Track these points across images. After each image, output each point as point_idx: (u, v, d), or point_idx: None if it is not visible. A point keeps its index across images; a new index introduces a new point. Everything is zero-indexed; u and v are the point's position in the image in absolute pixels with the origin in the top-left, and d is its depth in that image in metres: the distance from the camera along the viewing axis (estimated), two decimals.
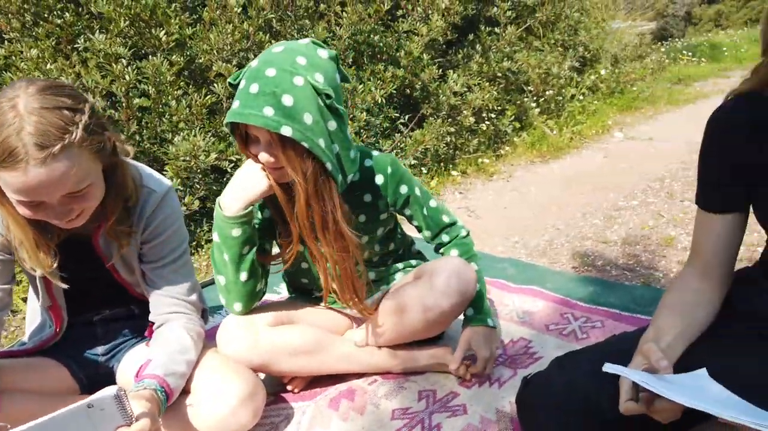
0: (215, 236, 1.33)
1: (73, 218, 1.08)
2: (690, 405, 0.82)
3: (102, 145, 1.07)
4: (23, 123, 0.96)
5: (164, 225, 1.27)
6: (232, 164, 2.66)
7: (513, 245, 2.56)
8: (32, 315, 1.38)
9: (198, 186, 2.56)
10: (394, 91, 3.27)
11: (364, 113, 3.01)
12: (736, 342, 1.04)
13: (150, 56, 2.55)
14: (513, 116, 4.07)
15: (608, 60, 5.42)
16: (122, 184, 1.18)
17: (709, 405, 0.81)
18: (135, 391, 1.06)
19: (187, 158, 2.42)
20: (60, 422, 0.89)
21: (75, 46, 2.53)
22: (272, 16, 2.87)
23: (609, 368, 0.92)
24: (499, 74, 3.80)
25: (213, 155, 2.51)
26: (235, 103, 1.17)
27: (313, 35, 3.06)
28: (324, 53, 1.21)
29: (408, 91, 3.49)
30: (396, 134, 3.35)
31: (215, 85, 2.68)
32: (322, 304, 1.60)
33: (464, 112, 3.50)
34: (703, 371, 0.99)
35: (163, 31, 2.57)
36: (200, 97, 2.62)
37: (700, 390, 0.93)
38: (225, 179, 2.70)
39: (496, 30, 3.87)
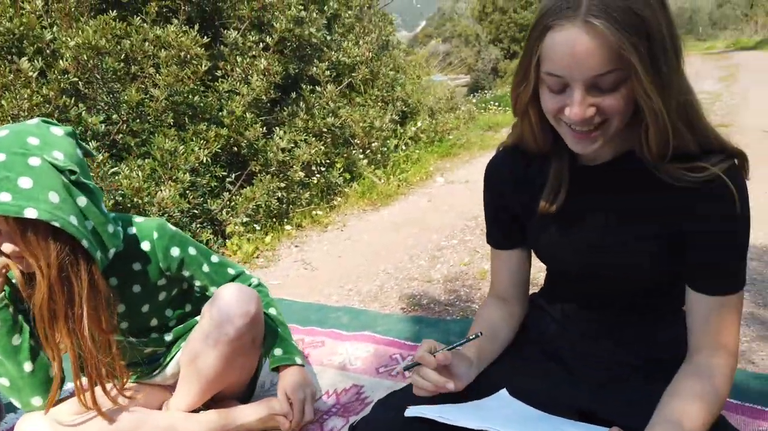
0: None
1: None
2: (481, 427, 0.90)
3: None
4: None
5: None
6: None
7: (347, 293, 2.62)
8: None
9: None
10: (220, 150, 3.25)
11: (188, 174, 2.94)
12: (526, 363, 1.16)
13: None
14: (342, 168, 4.23)
15: (426, 112, 5.90)
16: None
17: (499, 427, 0.90)
18: None
19: None
20: None
21: None
22: (76, 79, 2.72)
23: (410, 412, 0.99)
24: (325, 130, 3.95)
25: None
26: None
27: (126, 97, 2.95)
28: (59, 131, 1.18)
29: (235, 149, 3.48)
30: (225, 193, 3.30)
31: None
32: (130, 382, 1.50)
33: (294, 167, 3.57)
34: (504, 392, 1.10)
35: None
36: None
37: (499, 412, 1.03)
38: None
39: (318, 88, 4.05)
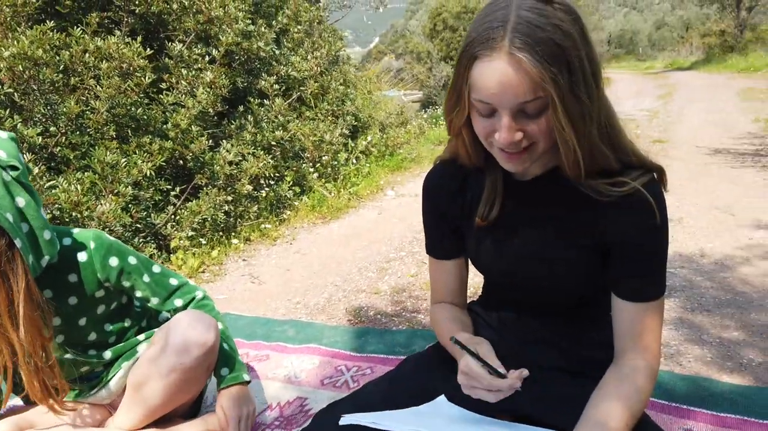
0: None
1: None
2: None
3: None
4: None
5: None
6: None
7: (295, 306, 2.61)
8: None
9: None
10: (164, 163, 3.19)
11: (130, 188, 2.87)
12: None
13: None
14: (292, 182, 4.21)
15: (377, 127, 5.96)
16: None
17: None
18: None
19: None
20: None
21: None
22: (11, 90, 2.63)
23: (345, 420, 0.99)
24: (274, 143, 3.93)
25: None
26: None
27: (64, 109, 2.87)
28: (2, 134, 1.17)
29: (180, 162, 3.42)
30: (169, 207, 3.24)
31: None
32: (70, 402, 1.45)
33: (241, 180, 3.54)
34: (442, 397, 1.12)
35: None
36: None
37: (434, 417, 1.05)
38: None
39: (266, 102, 4.04)
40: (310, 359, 2.02)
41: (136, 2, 3.38)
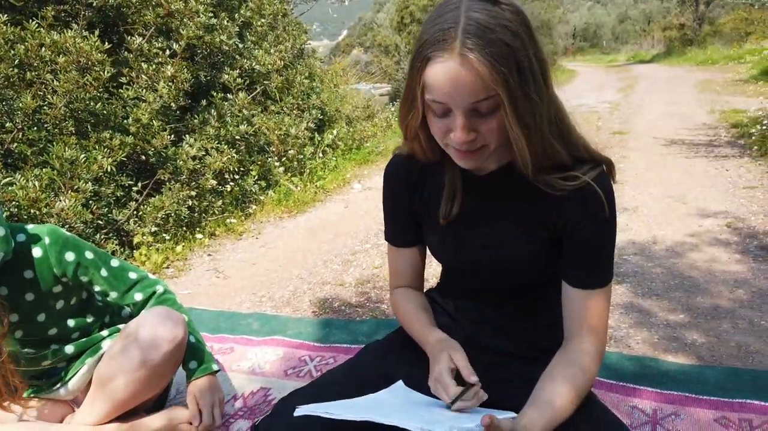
0: None
1: None
2: (367, 418, 0.95)
3: None
4: None
5: None
6: None
7: (260, 299, 2.62)
8: None
9: None
10: (125, 159, 3.15)
11: (90, 184, 2.84)
12: (422, 354, 1.23)
13: None
14: (258, 176, 4.21)
15: (343, 120, 5.98)
16: None
17: (380, 416, 0.95)
18: None
19: None
20: None
21: None
22: None
23: (300, 411, 1.03)
24: (238, 137, 3.92)
25: None
26: None
27: (20, 104, 2.81)
28: None
29: (143, 157, 3.39)
30: (131, 202, 3.21)
31: None
32: (29, 399, 1.45)
33: (205, 175, 3.52)
34: (400, 383, 1.16)
35: None
36: None
37: (390, 403, 1.08)
38: None
39: (230, 96, 4.01)
40: (274, 350, 2.05)
41: None
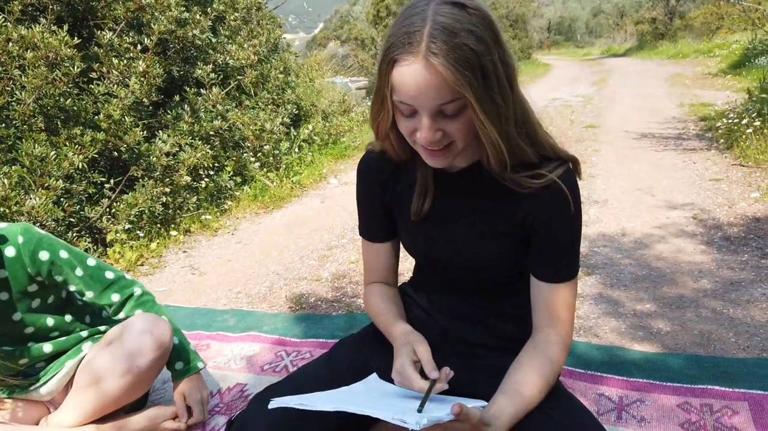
0: None
1: None
2: (340, 409, 0.97)
3: None
4: None
5: None
6: None
7: (236, 295, 2.63)
8: None
9: None
10: (97, 155, 3.11)
11: (61, 181, 2.80)
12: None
13: None
14: (233, 172, 4.18)
15: (319, 115, 5.96)
16: None
17: (352, 406, 0.98)
18: None
19: None
20: None
21: None
22: None
23: (274, 403, 1.04)
24: (212, 133, 3.89)
25: None
26: None
27: None
28: None
29: (115, 154, 3.35)
30: (104, 200, 3.17)
31: None
32: (2, 396, 1.45)
33: (179, 171, 3.49)
34: (374, 375, 1.18)
35: None
36: None
37: (363, 394, 1.11)
38: None
39: (203, 91, 3.98)
40: (251, 346, 2.06)
41: None
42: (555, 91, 10.10)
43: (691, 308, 2.10)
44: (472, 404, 1.00)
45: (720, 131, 4.96)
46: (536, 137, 1.05)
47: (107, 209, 3.14)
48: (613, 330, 1.99)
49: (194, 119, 3.77)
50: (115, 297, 1.48)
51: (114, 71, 3.30)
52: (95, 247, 3.04)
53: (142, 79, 3.31)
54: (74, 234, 2.94)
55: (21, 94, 2.88)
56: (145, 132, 3.32)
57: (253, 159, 4.48)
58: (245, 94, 4.84)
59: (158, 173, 3.37)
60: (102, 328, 1.55)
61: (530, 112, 1.05)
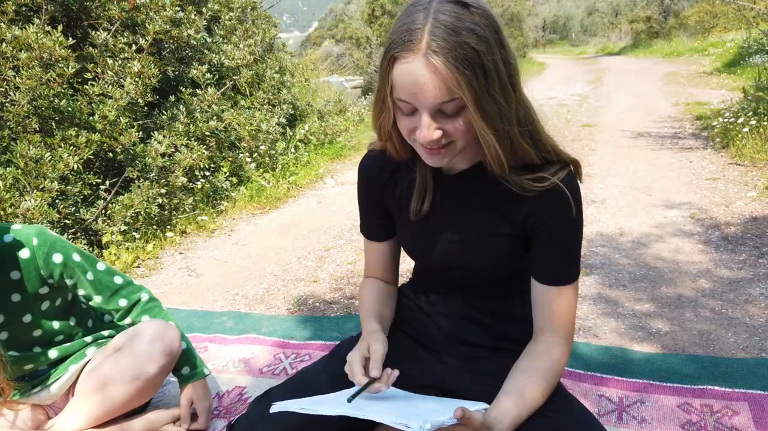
0: None
1: None
2: (343, 413, 0.97)
3: None
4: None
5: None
6: None
7: (233, 297, 2.61)
8: None
9: None
10: (92, 157, 3.09)
11: (56, 182, 2.78)
12: (397, 348, 1.25)
13: None
14: (229, 172, 4.17)
15: (315, 114, 5.95)
16: None
17: (354, 410, 0.97)
18: None
19: None
20: None
21: None
22: None
23: (276, 407, 1.04)
24: (208, 133, 3.87)
25: None
26: None
27: None
28: None
29: (110, 155, 3.33)
30: (99, 201, 3.15)
31: None
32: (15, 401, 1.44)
33: (175, 172, 3.48)
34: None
35: None
36: None
37: (362, 397, 1.10)
38: None
39: (199, 91, 3.96)
40: (249, 349, 2.05)
41: None
42: (551, 90, 10.10)
43: (689, 308, 2.10)
44: (474, 406, 1.00)
45: (716, 130, 4.97)
46: (539, 137, 1.04)
47: (103, 211, 3.12)
48: (612, 330, 1.99)
49: (190, 120, 3.75)
50: (123, 302, 1.48)
51: (109, 72, 3.28)
52: (91, 249, 3.02)
53: (137, 79, 3.29)
54: (70, 236, 2.92)
55: (15, 95, 2.85)
56: (140, 133, 3.30)
57: (249, 160, 4.46)
58: (241, 94, 4.82)
59: (154, 174, 3.35)
60: (105, 333, 1.55)
61: (533, 112, 1.04)
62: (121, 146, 3.19)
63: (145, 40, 3.42)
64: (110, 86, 3.23)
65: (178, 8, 3.73)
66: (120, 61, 3.35)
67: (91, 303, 1.46)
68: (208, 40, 4.26)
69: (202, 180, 3.91)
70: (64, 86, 3.04)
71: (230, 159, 4.20)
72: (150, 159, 3.32)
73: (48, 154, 2.78)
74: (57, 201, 2.89)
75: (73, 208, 3.00)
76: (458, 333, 1.23)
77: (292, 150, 5.13)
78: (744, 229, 2.82)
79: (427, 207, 1.13)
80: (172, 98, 3.88)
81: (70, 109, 3.04)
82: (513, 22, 22.12)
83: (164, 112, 3.79)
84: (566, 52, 28.95)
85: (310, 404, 1.02)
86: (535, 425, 0.99)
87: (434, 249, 1.17)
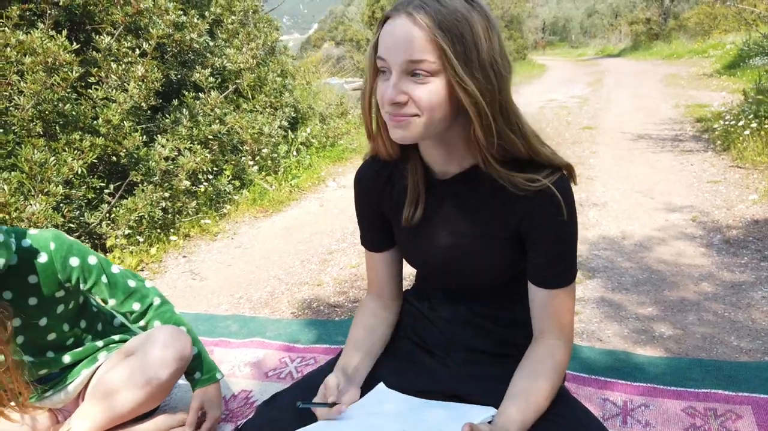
0: None
1: None
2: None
3: None
4: None
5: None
6: None
7: (237, 301, 2.62)
8: None
9: None
10: (96, 161, 3.11)
11: (61, 186, 2.79)
12: (402, 356, 1.26)
13: None
14: (231, 176, 4.18)
15: (317, 117, 5.96)
16: None
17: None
18: None
19: None
20: None
21: None
22: None
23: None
24: (211, 137, 3.88)
25: None
26: None
27: None
28: None
29: (114, 158, 3.34)
30: (103, 205, 3.17)
31: None
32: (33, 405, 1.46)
33: (178, 176, 3.49)
34: (381, 385, 1.19)
35: None
36: None
37: (375, 408, 1.11)
38: None
39: (201, 95, 3.97)
40: (254, 352, 2.06)
41: None
42: (551, 92, 10.13)
43: (692, 311, 2.11)
44: (481, 411, 1.01)
45: (717, 133, 4.99)
46: (531, 142, 1.03)
47: (107, 215, 3.14)
48: (615, 334, 2.00)
49: (193, 123, 3.76)
50: (136, 306, 1.49)
51: (112, 76, 3.29)
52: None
53: (140, 83, 3.30)
54: None
55: (20, 99, 2.87)
56: (143, 137, 3.31)
57: (251, 163, 4.48)
58: (243, 97, 4.83)
59: (157, 178, 3.37)
60: (116, 338, 1.56)
61: (525, 120, 1.04)
62: (124, 150, 3.21)
63: (149, 44, 3.44)
64: (114, 90, 3.24)
65: (180, 12, 3.75)
66: (123, 65, 3.36)
67: (106, 306, 1.49)
68: (211, 43, 4.28)
69: (205, 183, 3.92)
70: (68, 90, 3.05)
71: (233, 162, 4.22)
72: (153, 163, 3.33)
73: (52, 158, 2.80)
74: (61, 205, 2.90)
75: (78, 212, 3.01)
76: (460, 338, 1.24)
77: (294, 153, 5.15)
78: (746, 232, 2.84)
79: (420, 213, 1.14)
80: (175, 102, 3.89)
81: (74, 113, 3.05)
82: (513, 24, 22.16)
83: (167, 115, 3.81)
84: (566, 53, 28.99)
85: (327, 426, 1.03)
86: (540, 430, 1.00)
87: (431, 255, 1.18)
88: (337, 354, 1.30)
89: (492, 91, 0.95)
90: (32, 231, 1.36)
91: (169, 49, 3.89)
